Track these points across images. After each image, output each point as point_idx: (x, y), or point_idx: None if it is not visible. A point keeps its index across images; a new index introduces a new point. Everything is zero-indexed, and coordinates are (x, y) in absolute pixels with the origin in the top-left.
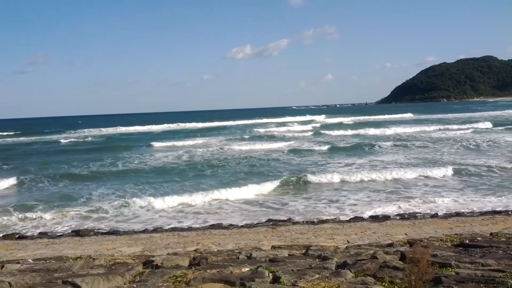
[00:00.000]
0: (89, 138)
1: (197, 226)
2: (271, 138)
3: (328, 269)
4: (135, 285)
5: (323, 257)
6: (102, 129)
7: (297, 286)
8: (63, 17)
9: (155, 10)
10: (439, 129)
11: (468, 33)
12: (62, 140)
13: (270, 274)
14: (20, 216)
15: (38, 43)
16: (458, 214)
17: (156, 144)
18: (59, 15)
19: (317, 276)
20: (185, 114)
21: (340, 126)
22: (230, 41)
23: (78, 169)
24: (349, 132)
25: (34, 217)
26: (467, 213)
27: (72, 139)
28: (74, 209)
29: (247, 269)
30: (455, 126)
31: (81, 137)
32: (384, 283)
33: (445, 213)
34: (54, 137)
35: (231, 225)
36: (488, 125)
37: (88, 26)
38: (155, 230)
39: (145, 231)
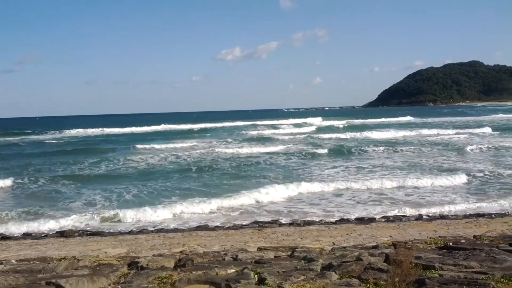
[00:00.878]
0: (74, 139)
1: (183, 227)
2: (263, 140)
3: (313, 270)
4: (119, 286)
5: (308, 259)
6: (88, 130)
7: (283, 287)
8: (62, 16)
9: (153, 11)
10: (437, 133)
11: (455, 38)
12: (46, 141)
13: (256, 275)
14: (2, 216)
15: (37, 42)
16: (442, 216)
17: (141, 146)
18: (59, 15)
19: (302, 277)
20: (175, 115)
21: (333, 129)
22: (220, 42)
23: (61, 170)
24: (342, 135)
25: (17, 217)
26: (451, 216)
27: (55, 141)
28: (58, 210)
29: (232, 270)
30: (454, 131)
31: (65, 138)
32: (368, 285)
33: (430, 216)
34: (40, 137)
35: (217, 226)
36: (487, 129)
37: (88, 26)
38: (141, 231)
39: (130, 232)
